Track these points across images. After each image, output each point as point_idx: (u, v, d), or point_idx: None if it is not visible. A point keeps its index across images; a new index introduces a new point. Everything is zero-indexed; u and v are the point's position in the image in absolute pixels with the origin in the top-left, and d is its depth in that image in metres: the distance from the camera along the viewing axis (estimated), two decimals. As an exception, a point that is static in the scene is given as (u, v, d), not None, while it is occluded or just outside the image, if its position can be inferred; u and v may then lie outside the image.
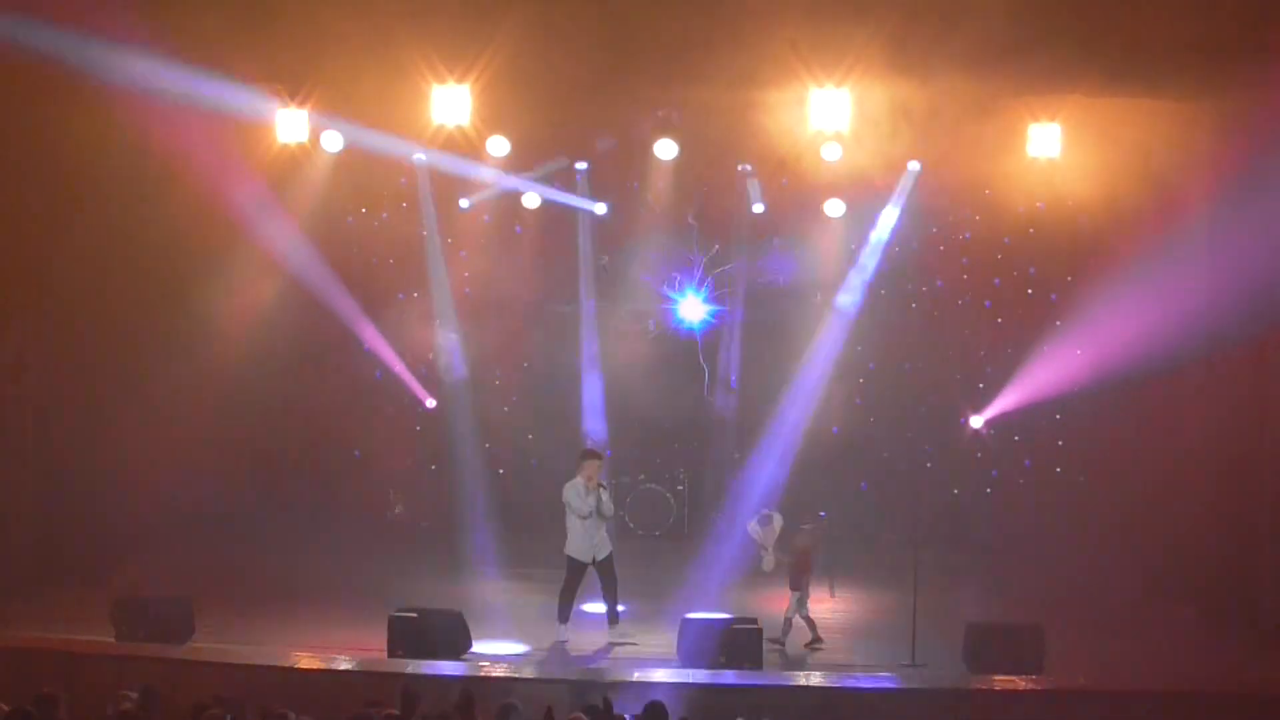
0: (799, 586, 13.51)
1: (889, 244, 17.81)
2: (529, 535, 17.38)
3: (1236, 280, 14.66)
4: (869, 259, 17.97)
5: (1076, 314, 17.50)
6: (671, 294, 18.71)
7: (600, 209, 17.98)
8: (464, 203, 18.10)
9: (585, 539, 13.66)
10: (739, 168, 17.38)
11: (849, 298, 18.04)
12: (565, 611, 13.70)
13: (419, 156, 16.85)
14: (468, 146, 16.44)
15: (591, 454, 14.16)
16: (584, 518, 13.57)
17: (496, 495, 18.70)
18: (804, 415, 18.27)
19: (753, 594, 14.80)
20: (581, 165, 17.59)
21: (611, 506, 13.91)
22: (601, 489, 13.67)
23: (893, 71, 14.58)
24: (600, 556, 13.73)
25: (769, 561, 13.83)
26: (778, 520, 13.91)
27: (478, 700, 9.27)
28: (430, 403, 18.68)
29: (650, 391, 18.60)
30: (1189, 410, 15.31)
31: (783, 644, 13.38)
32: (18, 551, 14.88)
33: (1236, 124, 14.12)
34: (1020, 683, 11.68)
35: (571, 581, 13.72)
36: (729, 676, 11.87)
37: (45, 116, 14.57)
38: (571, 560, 13.73)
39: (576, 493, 13.65)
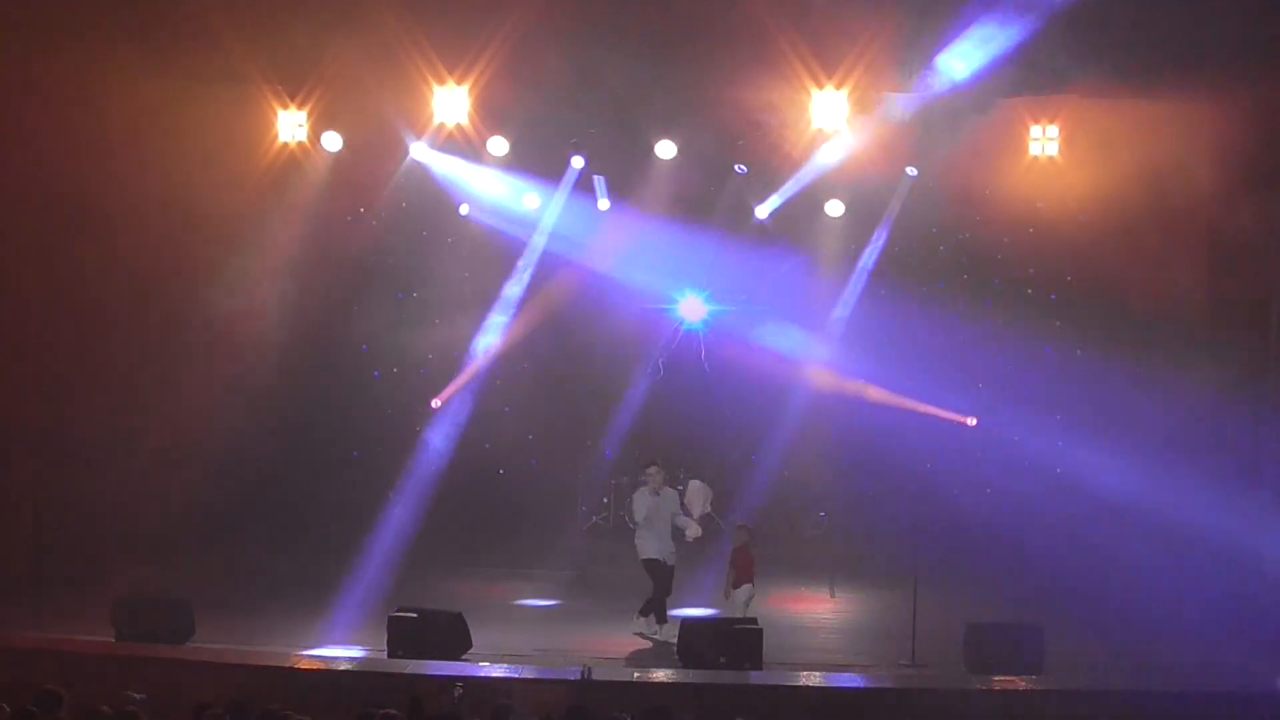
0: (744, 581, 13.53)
1: (889, 244, 17.84)
2: (529, 535, 17.40)
3: (1235, 279, 14.70)
4: (869, 259, 18.01)
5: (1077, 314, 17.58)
6: (672, 293, 18.73)
7: (604, 205, 18.00)
8: (464, 209, 18.12)
9: (658, 541, 13.69)
10: (736, 169, 17.38)
11: (848, 298, 18.12)
12: (662, 613, 13.66)
13: (419, 156, 16.83)
14: (468, 147, 16.47)
15: (651, 461, 14.16)
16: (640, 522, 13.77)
17: (496, 495, 18.73)
18: (804, 416, 18.35)
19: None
20: (579, 162, 17.56)
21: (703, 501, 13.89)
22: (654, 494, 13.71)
23: (893, 72, 14.59)
24: (670, 562, 13.75)
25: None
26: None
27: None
28: (435, 402, 18.70)
29: (651, 392, 18.65)
30: (1190, 407, 15.29)
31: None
32: (18, 551, 14.87)
33: (1236, 123, 14.12)
34: (1020, 683, 11.68)
35: (660, 583, 13.71)
36: (729, 676, 11.86)
37: (47, 118, 14.61)
38: (652, 562, 13.74)
39: (640, 499, 13.80)
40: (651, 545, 13.69)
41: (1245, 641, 13.70)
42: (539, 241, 18.26)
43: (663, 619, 13.58)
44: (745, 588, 13.47)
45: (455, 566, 16.71)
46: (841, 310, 18.31)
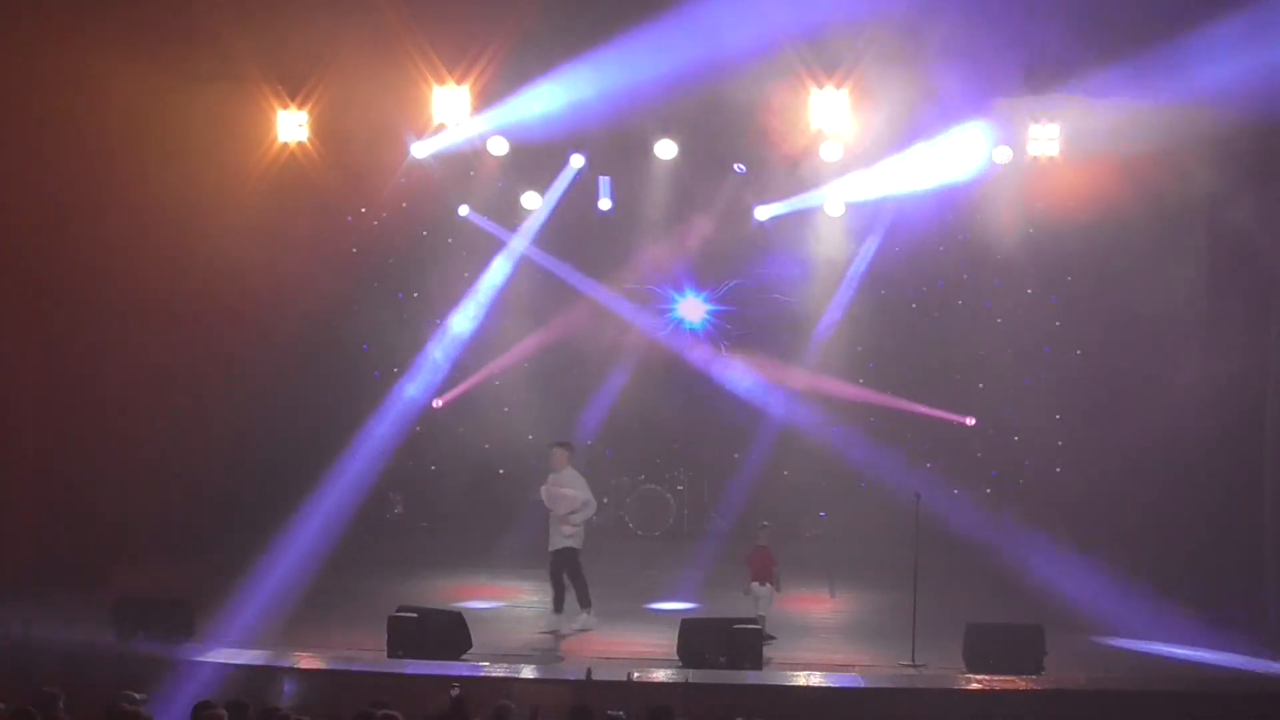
0: (770, 582, 13.49)
1: (889, 244, 17.84)
2: (529, 535, 17.37)
3: (1235, 280, 14.68)
4: (868, 259, 18.03)
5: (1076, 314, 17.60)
6: (672, 294, 18.76)
7: (605, 204, 18.01)
8: (463, 210, 18.13)
9: (549, 527, 14.00)
10: (735, 168, 17.40)
11: (848, 298, 18.18)
12: (558, 601, 14.00)
13: (419, 156, 16.80)
14: (467, 146, 16.48)
15: (556, 442, 14.39)
16: None
17: (496, 495, 18.73)
18: (803, 415, 18.38)
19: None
20: (579, 161, 17.53)
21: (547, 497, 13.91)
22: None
23: (892, 71, 14.59)
24: (552, 547, 13.91)
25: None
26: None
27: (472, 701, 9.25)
28: (436, 402, 18.75)
29: (651, 392, 18.66)
30: (1190, 408, 15.29)
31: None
32: (18, 551, 14.87)
33: (1236, 123, 14.11)
34: (1020, 683, 11.68)
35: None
36: (729, 676, 11.86)
37: (46, 117, 14.60)
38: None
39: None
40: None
41: (1245, 637, 13.73)
42: (532, 234, 18.29)
43: (558, 608, 13.88)
44: (755, 586, 13.48)
45: (455, 566, 16.71)
46: (841, 310, 18.34)
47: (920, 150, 16.07)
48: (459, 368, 18.75)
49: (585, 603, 13.94)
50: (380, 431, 17.53)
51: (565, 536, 13.79)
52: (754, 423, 18.51)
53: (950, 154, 16.00)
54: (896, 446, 18.53)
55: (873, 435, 18.62)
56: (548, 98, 15.49)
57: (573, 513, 13.74)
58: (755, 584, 13.43)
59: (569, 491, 13.78)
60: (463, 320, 18.37)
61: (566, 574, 13.90)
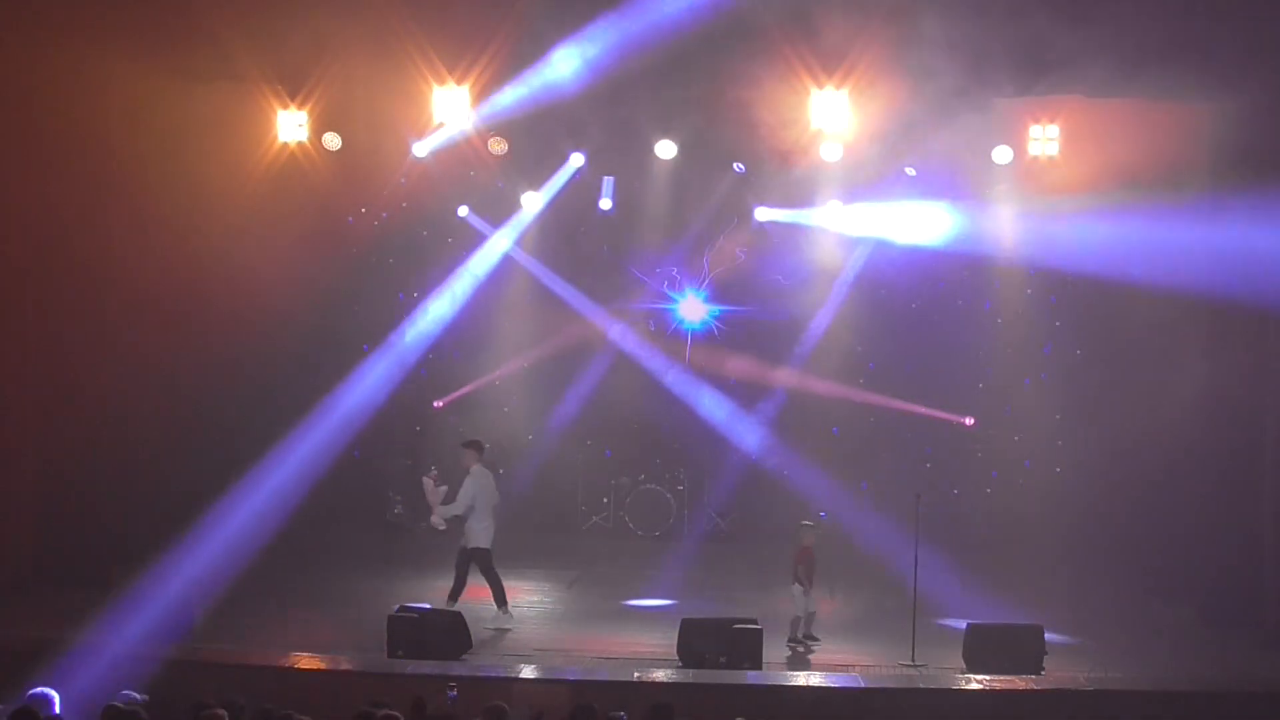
0: (800, 581, 13.49)
1: (888, 245, 17.83)
2: (529, 535, 17.39)
3: (1235, 278, 14.68)
4: (868, 259, 18.03)
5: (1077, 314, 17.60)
6: (671, 293, 18.76)
7: (606, 204, 18.00)
8: (463, 210, 18.13)
9: None
10: (734, 168, 17.39)
11: (846, 298, 18.20)
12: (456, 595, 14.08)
13: (419, 155, 16.79)
14: (467, 146, 16.47)
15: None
16: None
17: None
18: (804, 416, 18.39)
19: (754, 594, 14.81)
20: (579, 160, 17.51)
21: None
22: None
23: (892, 72, 14.58)
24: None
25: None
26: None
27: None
28: (437, 403, 18.74)
29: (651, 392, 18.66)
30: (1190, 409, 15.30)
31: (800, 641, 13.35)
32: (18, 551, 14.86)
33: (1236, 123, 14.11)
34: (1020, 683, 11.69)
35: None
36: (729, 676, 11.87)
37: (46, 117, 14.60)
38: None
39: None
40: None
41: (1245, 637, 13.73)
42: (532, 234, 18.28)
43: (499, 605, 13.86)
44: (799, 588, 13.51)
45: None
46: (840, 311, 18.33)
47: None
48: (457, 365, 18.75)
49: (452, 598, 13.90)
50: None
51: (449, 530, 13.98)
52: (753, 422, 18.54)
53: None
54: (896, 447, 18.56)
55: (872, 436, 18.64)
56: (548, 96, 15.47)
57: (442, 504, 13.93)
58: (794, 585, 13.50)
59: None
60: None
61: (456, 567, 13.96)
